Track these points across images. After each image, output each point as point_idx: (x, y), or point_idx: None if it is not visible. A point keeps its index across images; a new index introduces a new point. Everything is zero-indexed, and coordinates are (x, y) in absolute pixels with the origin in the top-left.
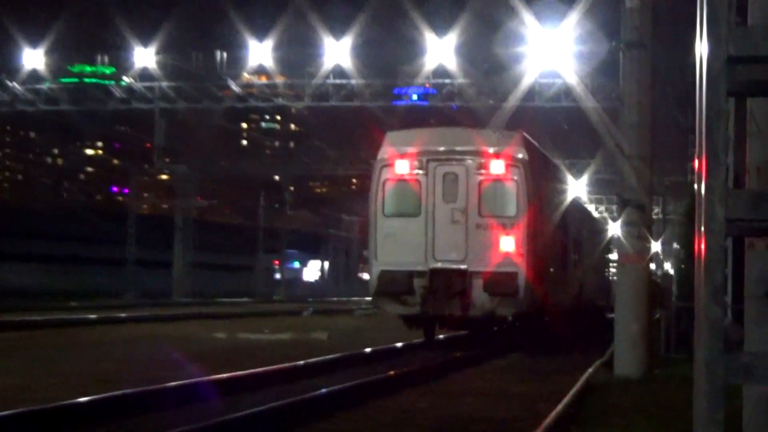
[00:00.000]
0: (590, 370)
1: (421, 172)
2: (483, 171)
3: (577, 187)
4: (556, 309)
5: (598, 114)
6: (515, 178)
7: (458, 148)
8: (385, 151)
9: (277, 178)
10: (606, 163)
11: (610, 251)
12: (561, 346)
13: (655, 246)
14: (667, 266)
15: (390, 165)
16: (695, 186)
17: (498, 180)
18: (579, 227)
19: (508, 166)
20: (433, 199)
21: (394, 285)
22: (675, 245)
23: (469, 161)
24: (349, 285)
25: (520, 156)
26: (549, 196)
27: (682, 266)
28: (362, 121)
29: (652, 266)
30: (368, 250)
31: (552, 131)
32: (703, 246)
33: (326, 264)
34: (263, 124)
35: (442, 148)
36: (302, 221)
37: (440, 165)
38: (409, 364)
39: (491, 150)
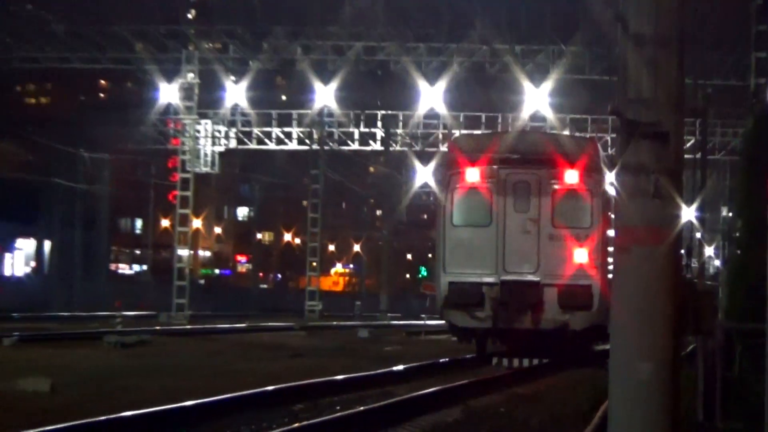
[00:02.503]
0: None
1: (492, 180)
2: (557, 180)
3: (536, 98)
4: None
5: None
6: (590, 188)
7: (531, 156)
8: (454, 157)
9: None
10: (593, 52)
11: None
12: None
13: (687, 213)
14: (710, 252)
15: (459, 172)
16: None
17: (572, 190)
18: None
19: (582, 175)
20: (504, 208)
21: (463, 297)
22: (725, 211)
23: (543, 170)
24: (94, 286)
25: (595, 165)
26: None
27: (738, 251)
28: None
29: (681, 252)
30: (436, 261)
31: None
32: None
33: (48, 245)
34: None
35: (514, 156)
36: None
37: (512, 173)
38: None
39: (565, 158)
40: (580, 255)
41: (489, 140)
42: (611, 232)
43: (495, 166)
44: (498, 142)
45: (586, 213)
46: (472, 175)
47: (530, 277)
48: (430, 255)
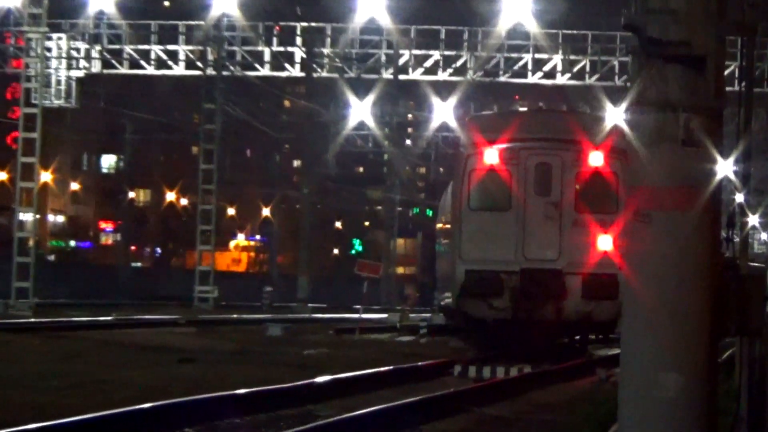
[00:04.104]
0: None
1: (512, 161)
2: (581, 162)
3: (515, 6)
4: None
5: None
6: (616, 170)
7: (554, 136)
8: (472, 137)
9: None
10: None
11: None
12: None
13: (725, 166)
14: (754, 221)
15: (477, 154)
16: None
17: (597, 172)
18: None
19: (608, 157)
20: (525, 192)
21: (481, 286)
22: None
23: (566, 151)
24: None
25: (622, 146)
26: None
27: None
28: None
29: (719, 221)
30: (451, 247)
31: None
32: None
33: None
34: None
35: (535, 136)
36: None
37: (533, 154)
38: None
39: (590, 139)
40: (605, 242)
41: (509, 119)
42: None
43: (515, 147)
44: (518, 121)
45: (612, 197)
46: (491, 156)
47: (552, 265)
48: (367, 223)
